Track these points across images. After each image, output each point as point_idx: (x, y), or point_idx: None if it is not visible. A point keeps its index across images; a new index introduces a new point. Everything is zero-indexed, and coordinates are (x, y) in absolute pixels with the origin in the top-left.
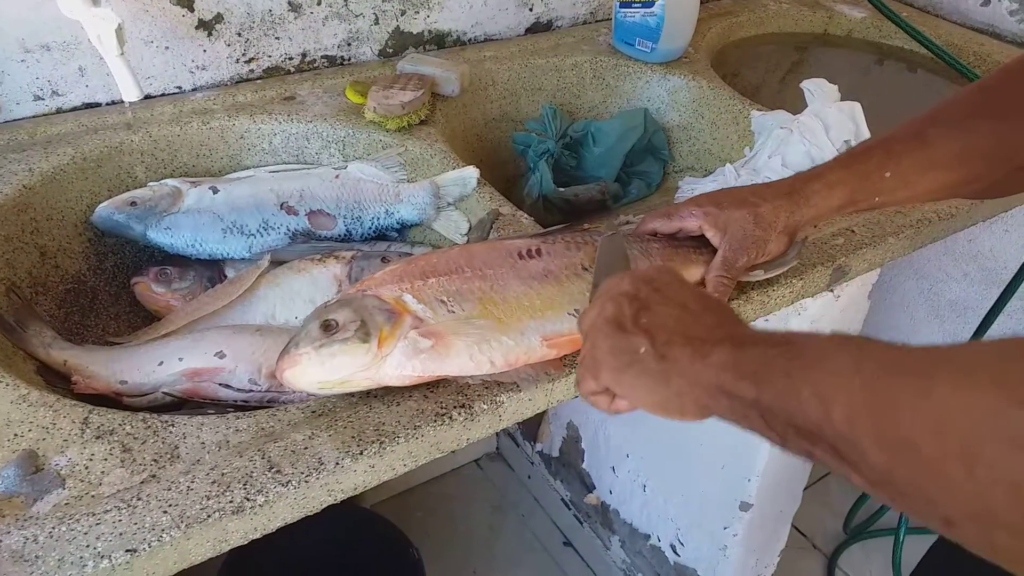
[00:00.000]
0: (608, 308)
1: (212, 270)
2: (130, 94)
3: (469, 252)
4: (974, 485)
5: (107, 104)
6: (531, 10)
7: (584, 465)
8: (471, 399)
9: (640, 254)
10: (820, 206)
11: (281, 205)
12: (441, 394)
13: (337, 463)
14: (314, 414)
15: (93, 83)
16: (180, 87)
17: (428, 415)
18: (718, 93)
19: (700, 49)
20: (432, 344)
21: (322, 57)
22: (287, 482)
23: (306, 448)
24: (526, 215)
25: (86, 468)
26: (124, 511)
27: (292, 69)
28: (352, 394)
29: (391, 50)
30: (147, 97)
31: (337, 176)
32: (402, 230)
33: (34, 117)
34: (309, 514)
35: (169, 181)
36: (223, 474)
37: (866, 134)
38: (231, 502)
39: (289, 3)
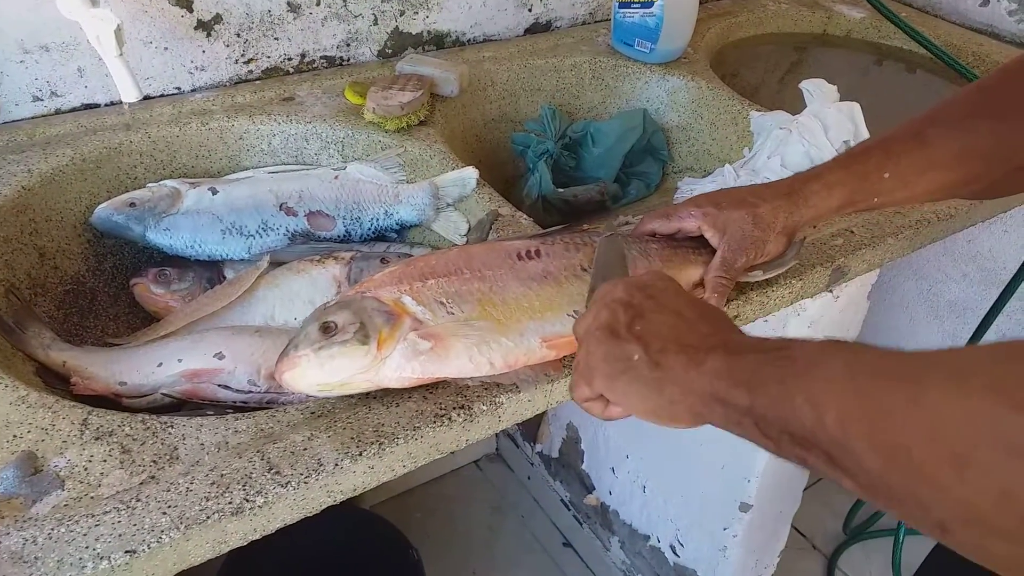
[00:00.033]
0: (602, 315)
1: (211, 271)
2: (129, 95)
3: (468, 253)
4: (966, 490)
5: (106, 105)
6: (530, 11)
7: (584, 466)
8: (470, 400)
9: (639, 255)
10: (819, 207)
11: (280, 206)
12: (440, 395)
13: (336, 464)
14: (313, 415)
15: (92, 84)
16: (179, 88)
17: (427, 416)
18: (717, 93)
19: (699, 49)
20: (431, 346)
21: (321, 58)
22: (286, 483)
23: (305, 449)
24: (525, 216)
25: (85, 469)
26: (123, 512)
27: (291, 70)
28: (351, 395)
29: (390, 51)
30: (146, 98)
31: (336, 177)
32: (401, 231)
33: (33, 118)
34: (308, 515)
35: (168, 182)
36: (222, 475)
37: (865, 134)
38: (230, 503)
39: (288, 4)
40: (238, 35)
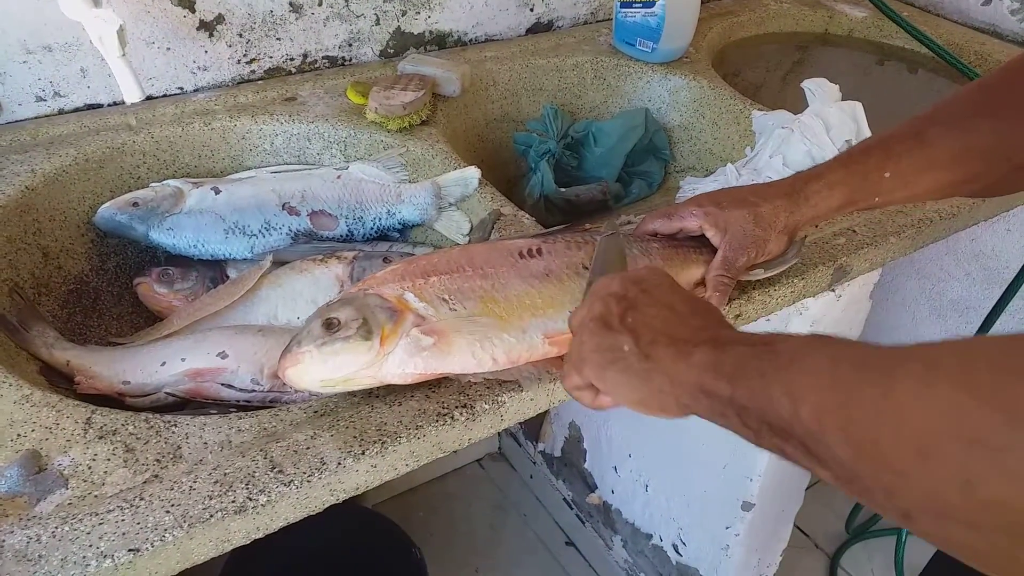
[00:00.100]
0: (596, 307)
1: (214, 270)
2: (132, 95)
3: (470, 252)
4: (929, 480)
5: (109, 105)
6: (532, 10)
7: (586, 465)
8: (473, 399)
9: (640, 254)
10: (820, 206)
11: (283, 206)
12: (443, 394)
13: (339, 463)
14: (316, 414)
15: (95, 84)
16: (182, 88)
17: (430, 415)
18: (719, 93)
19: (701, 49)
20: (434, 342)
21: (323, 58)
22: (289, 482)
23: (308, 448)
24: (527, 215)
25: (89, 468)
26: (127, 511)
27: (293, 70)
28: (354, 394)
29: (392, 51)
30: (149, 98)
31: (339, 177)
32: (404, 230)
33: (36, 118)
34: (311, 514)
35: (171, 182)
36: (225, 474)
37: (867, 133)
38: (233, 502)
39: (290, 4)
40: (240, 35)
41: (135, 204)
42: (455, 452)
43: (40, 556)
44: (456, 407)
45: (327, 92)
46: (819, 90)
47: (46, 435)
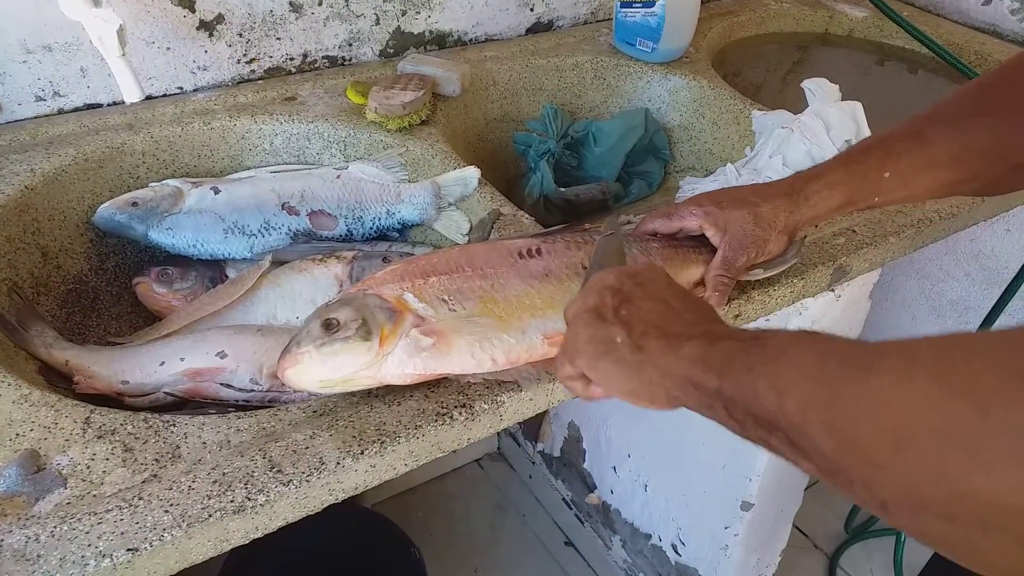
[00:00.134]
0: (591, 299)
1: (213, 270)
2: (131, 95)
3: (469, 252)
4: (905, 472)
5: (108, 105)
6: (532, 10)
7: (585, 465)
8: (472, 399)
9: (640, 254)
10: (819, 206)
11: (282, 205)
12: (442, 394)
13: (338, 463)
14: (315, 414)
15: (95, 84)
16: (181, 88)
17: (429, 415)
18: (719, 93)
19: (701, 49)
20: (433, 342)
21: (323, 57)
22: (288, 481)
23: (307, 448)
24: (527, 215)
25: (88, 468)
26: (126, 510)
27: (293, 69)
28: (353, 394)
29: (392, 50)
30: (148, 98)
31: (338, 176)
32: (403, 230)
33: (36, 118)
34: (310, 513)
35: (170, 181)
36: (224, 474)
37: (867, 133)
38: (232, 501)
39: (290, 3)
40: (240, 35)
41: (134, 204)
42: (454, 452)
43: (39, 556)
44: (455, 407)
45: (327, 92)
46: (819, 90)
47: (45, 435)
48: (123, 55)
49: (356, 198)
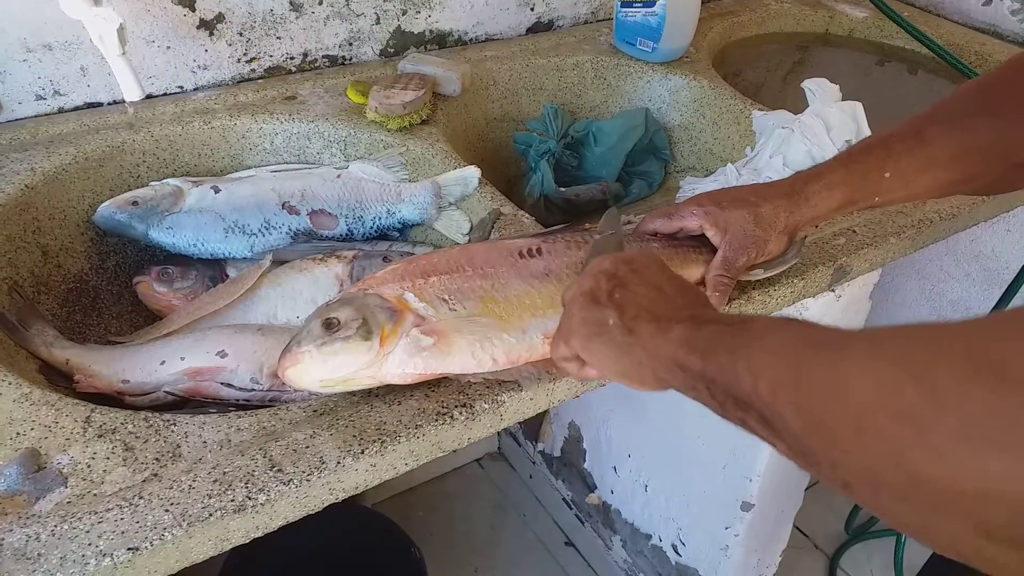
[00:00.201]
0: (587, 282)
1: (214, 269)
2: (132, 94)
3: (470, 251)
4: (864, 453)
5: (109, 104)
6: (532, 10)
7: (585, 465)
8: (472, 398)
9: None
10: (820, 206)
11: (283, 205)
12: (442, 393)
13: (338, 462)
14: (316, 413)
15: (95, 83)
16: (182, 87)
17: (429, 414)
18: (719, 93)
19: (701, 49)
20: (434, 342)
21: (323, 57)
22: (289, 481)
23: (308, 447)
24: (527, 215)
25: (88, 467)
26: (126, 509)
27: (293, 69)
28: (353, 393)
29: (392, 50)
30: (149, 97)
31: (339, 176)
32: (403, 230)
33: (36, 117)
34: (310, 513)
35: (171, 180)
36: (225, 473)
37: (867, 134)
38: (233, 501)
39: (290, 3)
40: (240, 34)
41: (135, 203)
42: (454, 452)
43: (39, 555)
44: (455, 406)
45: (327, 91)
46: (819, 90)
47: (45, 433)
48: (123, 54)
49: (356, 197)
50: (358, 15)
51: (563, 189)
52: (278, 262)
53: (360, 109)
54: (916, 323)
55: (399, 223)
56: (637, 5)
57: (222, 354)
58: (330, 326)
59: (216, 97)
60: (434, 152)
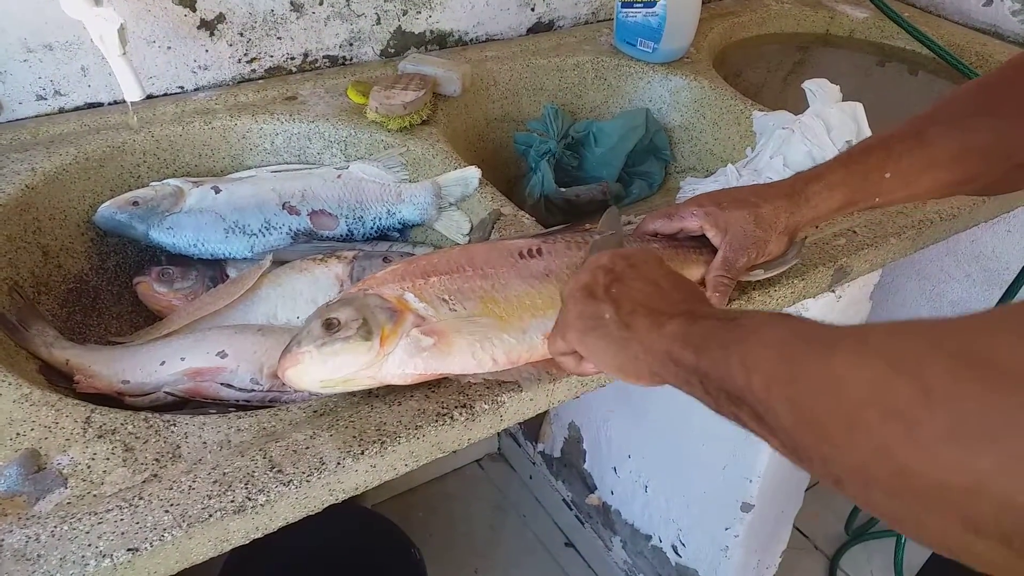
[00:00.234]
0: (584, 277)
1: (214, 270)
2: (132, 94)
3: (470, 252)
4: (854, 448)
5: (109, 104)
6: (533, 10)
7: (585, 465)
8: (472, 399)
9: None
10: (820, 207)
11: (283, 205)
12: (442, 394)
13: (338, 463)
14: (316, 414)
15: (95, 83)
16: (182, 87)
17: (429, 415)
18: (720, 93)
19: (702, 49)
20: (434, 342)
21: (324, 57)
22: (288, 482)
23: (308, 448)
24: (528, 215)
25: (88, 467)
26: (126, 510)
27: (294, 69)
28: (353, 394)
29: (393, 50)
30: (149, 97)
31: (339, 176)
32: (404, 230)
33: (37, 117)
34: (310, 514)
35: (171, 181)
36: (225, 473)
37: (868, 134)
38: (232, 501)
39: (291, 3)
40: (241, 34)
41: (135, 203)
42: (454, 452)
43: (39, 555)
44: (455, 407)
45: (328, 91)
46: (820, 91)
47: (45, 434)
48: (124, 54)
49: (357, 198)
50: (359, 15)
51: (563, 189)
52: (278, 262)
53: (360, 109)
54: (909, 319)
55: (399, 223)
56: (638, 5)
57: (222, 354)
58: (330, 326)
59: (217, 97)
60: (434, 152)
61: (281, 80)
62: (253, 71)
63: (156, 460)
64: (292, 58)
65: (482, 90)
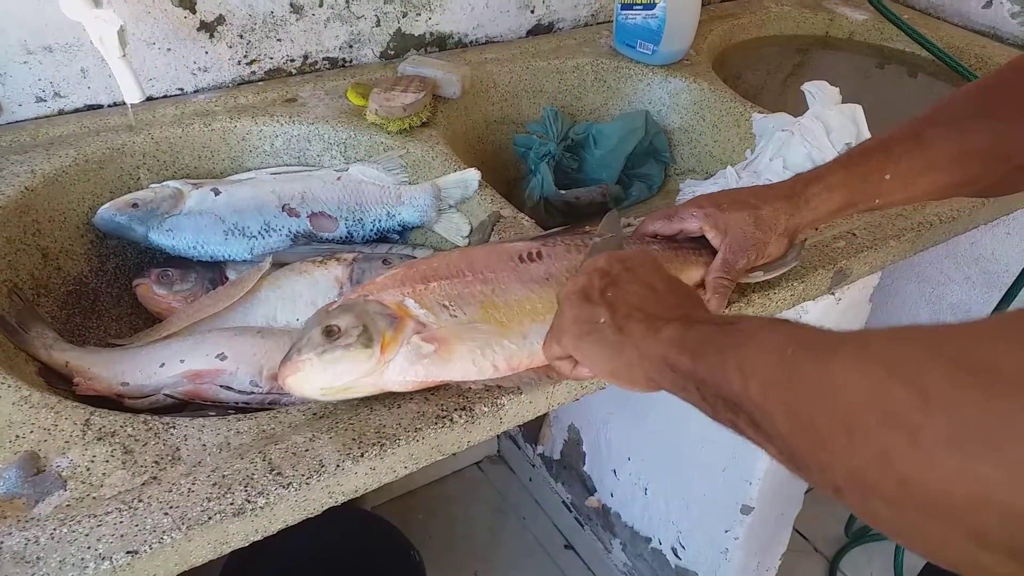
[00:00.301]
0: (580, 280)
1: (214, 272)
2: (132, 96)
3: (470, 256)
4: (853, 456)
5: (109, 106)
6: (532, 12)
7: (585, 468)
8: (472, 401)
9: None
10: (820, 209)
11: (283, 207)
12: (442, 396)
13: (338, 465)
14: (315, 416)
15: (95, 85)
16: (182, 89)
17: (429, 417)
18: (719, 95)
19: (701, 51)
20: (435, 349)
21: (324, 59)
22: (288, 484)
23: (307, 450)
24: (527, 217)
25: (87, 470)
26: (125, 513)
27: (294, 71)
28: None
29: (392, 52)
30: (149, 99)
31: (339, 178)
32: (403, 232)
33: (36, 119)
34: (310, 516)
35: (171, 183)
36: (224, 476)
37: (867, 136)
38: (232, 504)
39: (291, 5)
40: (241, 36)
41: (135, 205)
42: (454, 455)
43: (38, 558)
44: (455, 410)
45: (327, 93)
46: (819, 93)
47: (45, 436)
48: (124, 56)
49: (356, 200)
50: (358, 17)
51: (563, 192)
52: (278, 264)
53: (360, 111)
54: (908, 325)
55: (399, 225)
56: (637, 7)
57: (222, 357)
58: (330, 334)
59: (216, 99)
60: (434, 154)
61: (281, 82)
62: (253, 73)
63: (155, 462)
64: (292, 60)
65: (482, 92)
